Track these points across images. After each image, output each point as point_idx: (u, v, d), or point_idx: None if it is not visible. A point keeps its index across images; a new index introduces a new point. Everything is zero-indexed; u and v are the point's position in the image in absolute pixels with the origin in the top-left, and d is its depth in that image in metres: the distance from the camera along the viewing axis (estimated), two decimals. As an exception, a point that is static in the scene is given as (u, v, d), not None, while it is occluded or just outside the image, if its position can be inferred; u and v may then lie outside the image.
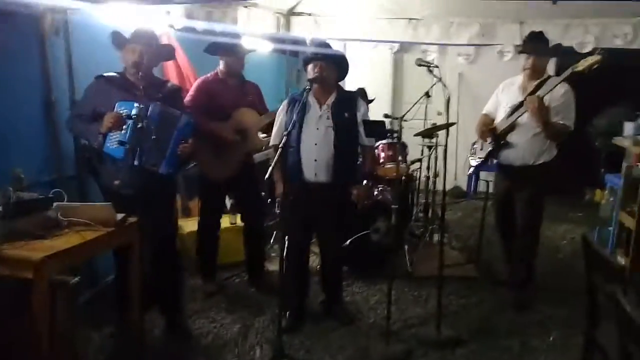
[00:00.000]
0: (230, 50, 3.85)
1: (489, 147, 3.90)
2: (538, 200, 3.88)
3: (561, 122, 3.61)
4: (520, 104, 3.68)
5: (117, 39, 3.07)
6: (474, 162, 4.11)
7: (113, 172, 3.05)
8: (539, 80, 3.69)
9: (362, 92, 5.22)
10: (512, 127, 3.74)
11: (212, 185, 3.91)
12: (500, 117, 3.88)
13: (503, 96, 3.92)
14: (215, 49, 3.88)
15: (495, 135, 3.83)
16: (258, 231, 4.17)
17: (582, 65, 3.39)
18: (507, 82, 3.96)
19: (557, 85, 3.52)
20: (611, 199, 5.13)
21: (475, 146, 4.11)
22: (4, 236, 2.42)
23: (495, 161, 3.99)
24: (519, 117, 3.67)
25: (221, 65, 3.90)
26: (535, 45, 3.74)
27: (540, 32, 3.81)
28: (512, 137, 3.76)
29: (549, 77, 3.73)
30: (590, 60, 3.36)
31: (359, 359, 3.20)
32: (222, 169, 3.85)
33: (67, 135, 3.43)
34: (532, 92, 3.63)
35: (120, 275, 3.17)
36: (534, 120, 3.60)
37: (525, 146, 3.72)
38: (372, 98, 5.43)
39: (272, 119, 3.65)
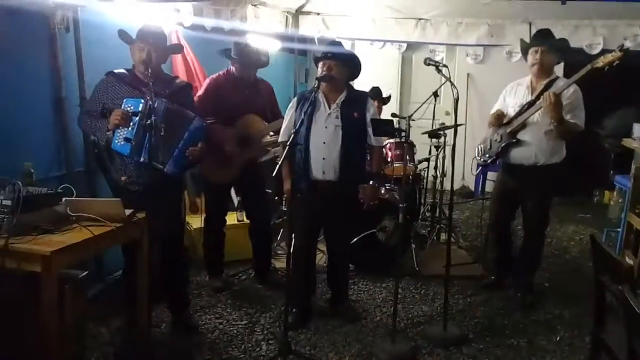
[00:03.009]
0: (240, 60, 3.81)
1: (498, 145, 3.82)
2: (546, 202, 3.86)
3: (572, 120, 3.58)
4: (531, 103, 3.64)
5: (124, 37, 3.08)
6: (481, 161, 4.06)
7: (121, 168, 3.07)
8: (548, 80, 3.66)
9: (376, 91, 5.18)
10: (523, 126, 3.69)
11: (217, 182, 3.90)
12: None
13: (510, 98, 3.88)
14: (227, 54, 3.87)
15: (507, 131, 3.77)
16: (264, 229, 4.17)
17: (602, 61, 3.32)
18: (514, 84, 3.92)
19: (569, 85, 3.49)
20: (620, 200, 5.11)
21: (481, 146, 4.06)
22: (13, 230, 2.43)
23: (499, 161, 3.93)
24: (530, 116, 3.62)
25: (233, 67, 3.88)
26: (542, 40, 3.71)
27: (548, 29, 3.78)
28: (523, 136, 3.71)
29: (557, 77, 3.70)
30: (611, 56, 3.28)
31: (365, 356, 3.20)
32: (223, 173, 3.85)
33: (76, 131, 3.45)
34: (542, 92, 3.59)
35: (129, 271, 3.19)
36: (547, 117, 3.54)
37: (538, 144, 3.66)
38: (388, 95, 5.40)
39: (278, 127, 3.61)
